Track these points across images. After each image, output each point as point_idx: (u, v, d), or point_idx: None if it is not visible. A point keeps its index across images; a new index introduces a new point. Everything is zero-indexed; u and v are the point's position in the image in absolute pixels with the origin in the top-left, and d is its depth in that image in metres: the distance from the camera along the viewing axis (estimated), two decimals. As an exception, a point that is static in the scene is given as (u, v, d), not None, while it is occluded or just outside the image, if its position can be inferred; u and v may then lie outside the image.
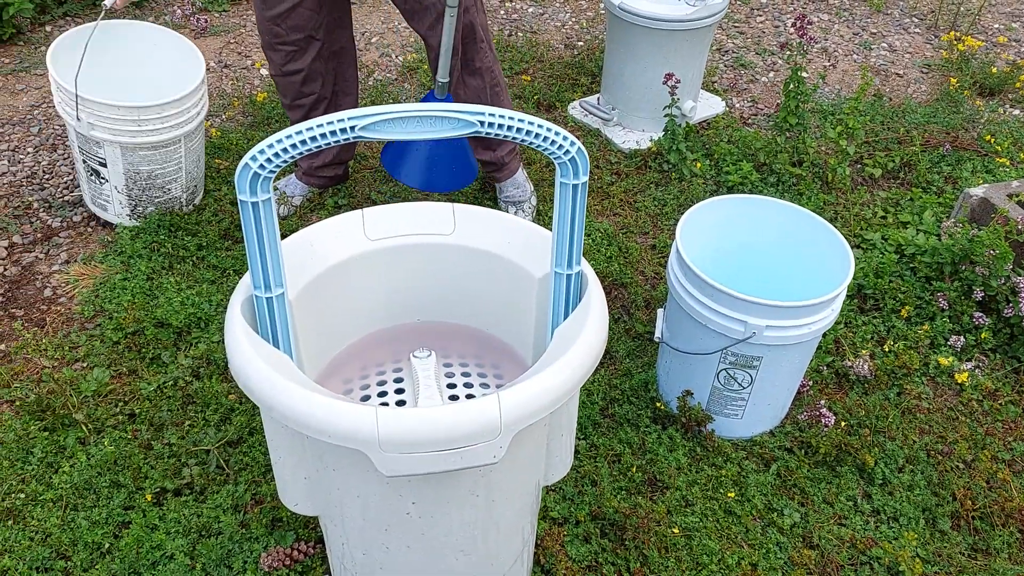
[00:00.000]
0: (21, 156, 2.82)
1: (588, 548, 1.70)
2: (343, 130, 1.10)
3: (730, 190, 2.69)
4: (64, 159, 2.81)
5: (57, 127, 2.96)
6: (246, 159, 1.12)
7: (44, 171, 2.76)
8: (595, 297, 1.30)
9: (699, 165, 2.80)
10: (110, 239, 2.48)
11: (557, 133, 1.19)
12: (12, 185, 2.68)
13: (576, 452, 1.91)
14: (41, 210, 2.59)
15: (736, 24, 3.81)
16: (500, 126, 1.16)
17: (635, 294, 2.37)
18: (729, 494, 1.83)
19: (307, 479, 1.31)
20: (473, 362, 1.53)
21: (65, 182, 2.70)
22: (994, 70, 3.39)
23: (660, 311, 2.08)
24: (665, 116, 2.77)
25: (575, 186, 1.23)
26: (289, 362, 1.22)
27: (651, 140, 2.90)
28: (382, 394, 1.45)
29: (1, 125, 2.96)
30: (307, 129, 1.10)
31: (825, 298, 1.74)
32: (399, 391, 1.45)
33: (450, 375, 1.49)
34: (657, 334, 2.06)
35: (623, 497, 1.81)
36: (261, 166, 1.12)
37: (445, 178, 2.19)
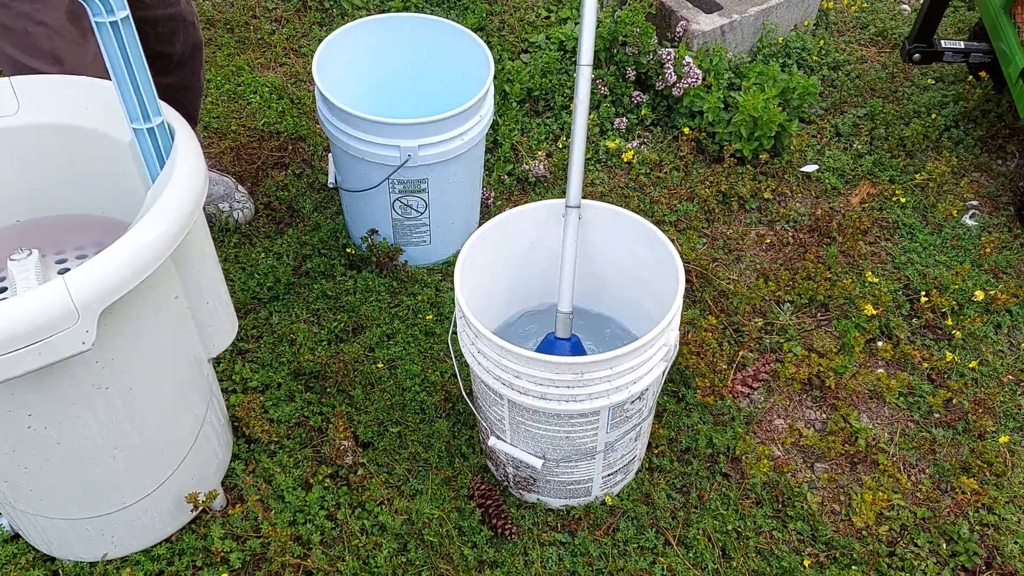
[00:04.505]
0: None
1: (293, 406, 1.68)
2: None
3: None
4: None
5: None
6: None
7: None
8: (182, 147, 1.19)
9: (360, -4, 2.65)
10: None
11: (67, -34, 1.03)
12: None
13: (270, 315, 1.85)
14: None
15: None
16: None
17: (315, 144, 2.27)
18: (428, 317, 1.86)
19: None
20: (93, 252, 1.38)
21: None
22: None
23: (330, 156, 2.00)
24: (310, -52, 2.56)
25: (113, 23, 1.08)
26: None
27: (307, -22, 2.69)
28: (-17, 311, 1.28)
29: None
30: None
31: (467, 106, 1.73)
32: (4, 302, 1.29)
33: (66, 271, 1.34)
34: (330, 180, 1.99)
35: (323, 348, 1.79)
36: None
37: None
